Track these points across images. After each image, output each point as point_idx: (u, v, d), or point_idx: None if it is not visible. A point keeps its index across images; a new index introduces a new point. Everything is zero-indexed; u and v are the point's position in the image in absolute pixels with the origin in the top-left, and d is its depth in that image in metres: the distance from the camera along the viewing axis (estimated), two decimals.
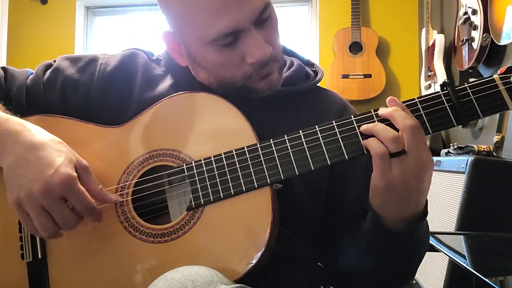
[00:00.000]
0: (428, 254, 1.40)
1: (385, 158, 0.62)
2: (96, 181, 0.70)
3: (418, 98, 0.67)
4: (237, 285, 0.57)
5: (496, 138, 1.78)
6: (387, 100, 0.67)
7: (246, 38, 0.69)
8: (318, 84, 0.86)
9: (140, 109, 0.77)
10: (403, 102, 0.67)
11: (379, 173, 0.63)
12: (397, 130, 0.63)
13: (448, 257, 1.12)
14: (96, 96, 0.82)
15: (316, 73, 0.87)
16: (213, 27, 0.68)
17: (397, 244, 0.69)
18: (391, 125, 0.64)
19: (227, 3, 0.66)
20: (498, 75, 0.66)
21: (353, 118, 0.68)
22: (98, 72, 0.83)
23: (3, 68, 0.86)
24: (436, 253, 1.29)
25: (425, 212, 0.69)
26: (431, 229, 1.31)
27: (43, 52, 3.21)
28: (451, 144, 2.00)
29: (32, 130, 0.69)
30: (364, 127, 0.65)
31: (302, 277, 0.78)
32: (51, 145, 0.68)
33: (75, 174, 0.66)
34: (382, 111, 0.66)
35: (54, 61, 0.87)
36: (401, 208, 0.66)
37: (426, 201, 0.69)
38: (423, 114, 0.66)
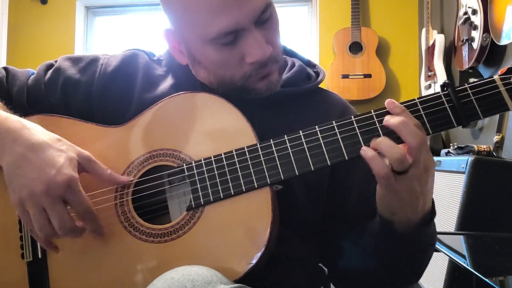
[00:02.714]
0: None
1: (388, 177, 0.61)
2: (103, 167, 0.71)
3: (418, 98, 0.67)
4: (236, 285, 0.57)
5: (496, 138, 1.78)
6: (385, 103, 0.65)
7: (246, 38, 0.69)
8: (319, 86, 0.86)
9: (141, 110, 0.77)
10: (403, 102, 0.67)
11: (383, 187, 0.63)
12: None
13: (448, 257, 1.12)
14: (96, 96, 0.82)
15: (317, 74, 0.87)
16: (213, 26, 0.68)
17: (406, 246, 0.69)
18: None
19: (228, 2, 0.66)
20: (499, 75, 0.66)
21: (353, 119, 0.68)
22: (99, 73, 0.83)
23: (5, 68, 0.86)
24: (436, 253, 1.29)
25: (433, 213, 0.68)
26: None
27: (43, 52, 3.21)
28: (451, 144, 2.00)
29: (31, 128, 0.69)
30: (372, 144, 0.63)
31: (302, 278, 0.78)
32: (51, 144, 0.68)
33: (77, 175, 0.66)
34: (388, 121, 0.63)
35: (56, 61, 0.87)
36: (409, 212, 0.65)
37: (433, 201, 0.69)
38: (423, 114, 0.66)
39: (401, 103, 0.67)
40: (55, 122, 0.78)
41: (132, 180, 0.73)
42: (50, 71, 0.85)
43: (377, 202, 0.67)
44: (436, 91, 0.68)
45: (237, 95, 0.74)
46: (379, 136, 0.66)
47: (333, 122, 0.68)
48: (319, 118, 0.73)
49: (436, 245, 0.92)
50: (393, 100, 0.65)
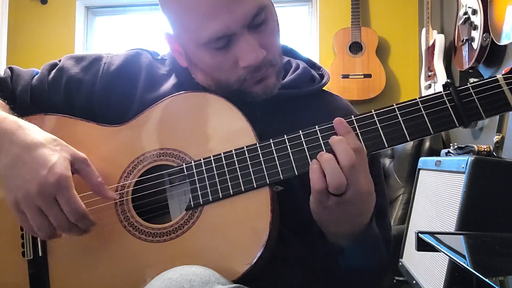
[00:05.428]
0: (428, 254, 1.40)
1: (322, 193, 0.63)
2: (95, 173, 0.70)
3: (419, 98, 0.67)
4: (234, 285, 0.57)
5: (496, 138, 1.77)
6: (333, 121, 0.67)
7: (238, 42, 0.69)
8: (324, 88, 0.86)
9: (142, 109, 0.77)
10: (404, 102, 0.67)
11: (315, 203, 0.65)
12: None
13: (448, 257, 1.12)
14: (99, 95, 0.82)
15: (322, 76, 0.87)
16: (205, 31, 0.68)
17: (338, 257, 0.73)
18: None
19: (218, 7, 0.66)
20: (502, 75, 0.65)
21: (353, 118, 0.68)
22: (102, 71, 0.83)
23: (10, 68, 0.87)
24: (436, 253, 1.29)
25: (368, 230, 0.70)
26: (431, 229, 1.30)
27: (43, 52, 3.21)
28: (451, 144, 2.00)
29: (27, 129, 0.69)
30: (319, 156, 0.65)
31: (301, 278, 0.78)
32: (45, 144, 0.67)
33: (69, 174, 0.66)
34: (331, 140, 0.65)
35: (59, 61, 0.87)
36: (338, 227, 0.68)
37: (372, 218, 0.71)
38: (424, 114, 0.66)
39: (402, 103, 0.67)
40: (56, 122, 0.79)
41: (121, 198, 0.73)
42: (54, 70, 0.85)
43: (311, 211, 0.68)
44: (436, 91, 0.67)
45: (235, 98, 0.74)
46: (378, 134, 0.66)
47: (333, 121, 0.68)
48: (322, 120, 0.73)
49: (436, 245, 0.92)
50: (341, 119, 0.67)
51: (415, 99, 0.67)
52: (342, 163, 0.62)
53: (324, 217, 0.67)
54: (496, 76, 0.65)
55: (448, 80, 0.68)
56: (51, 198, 0.65)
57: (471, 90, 0.66)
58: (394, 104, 0.67)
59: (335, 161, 0.62)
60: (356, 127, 0.67)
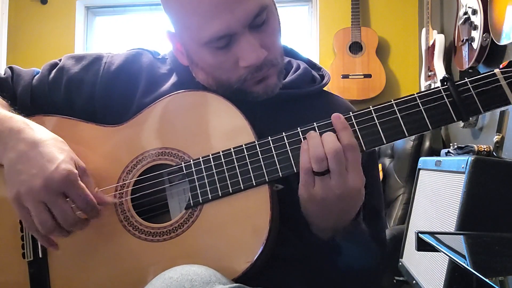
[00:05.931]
0: (428, 254, 1.40)
1: (308, 174, 0.64)
2: (92, 184, 0.70)
3: (417, 93, 0.67)
4: (235, 285, 0.56)
5: (496, 138, 1.77)
6: (331, 117, 0.68)
7: (239, 42, 0.69)
8: (324, 89, 0.86)
9: (142, 109, 0.77)
10: (402, 97, 0.67)
11: (302, 185, 0.66)
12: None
13: (448, 257, 1.12)
14: (99, 95, 0.82)
15: (322, 77, 0.87)
16: (206, 30, 0.68)
17: (322, 252, 0.73)
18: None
19: (219, 7, 0.66)
20: (500, 69, 0.65)
21: (351, 114, 0.68)
22: (102, 71, 0.83)
23: (10, 68, 0.87)
24: (436, 253, 1.28)
25: (354, 226, 0.70)
26: (431, 229, 1.30)
27: (43, 52, 3.21)
28: (451, 144, 2.00)
29: (35, 128, 0.70)
30: (308, 134, 0.67)
31: (301, 278, 0.78)
32: (53, 143, 0.68)
33: (76, 170, 0.67)
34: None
35: (60, 60, 0.87)
36: (322, 219, 0.69)
37: (359, 216, 0.71)
38: (422, 109, 0.66)
39: (400, 98, 0.67)
40: (54, 123, 0.79)
41: (120, 197, 0.73)
42: (54, 70, 0.85)
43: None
44: (436, 86, 0.67)
45: (236, 98, 0.74)
46: (377, 130, 0.66)
47: (331, 118, 0.68)
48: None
49: (436, 245, 0.92)
50: (339, 114, 0.67)
51: (413, 94, 0.67)
52: (326, 148, 0.64)
53: (311, 207, 0.68)
54: (493, 71, 0.65)
55: (446, 75, 0.68)
56: (57, 193, 0.65)
57: (469, 85, 0.65)
58: (392, 100, 0.67)
59: (319, 138, 0.65)
60: (354, 123, 0.67)
